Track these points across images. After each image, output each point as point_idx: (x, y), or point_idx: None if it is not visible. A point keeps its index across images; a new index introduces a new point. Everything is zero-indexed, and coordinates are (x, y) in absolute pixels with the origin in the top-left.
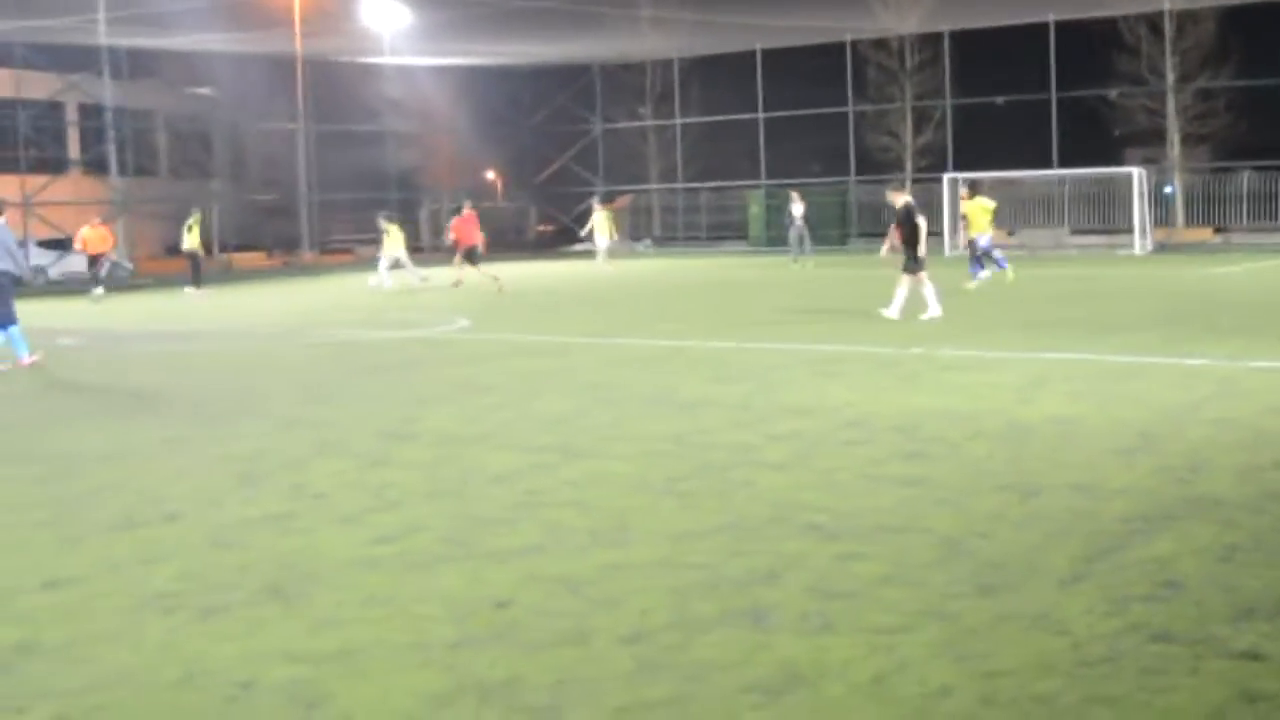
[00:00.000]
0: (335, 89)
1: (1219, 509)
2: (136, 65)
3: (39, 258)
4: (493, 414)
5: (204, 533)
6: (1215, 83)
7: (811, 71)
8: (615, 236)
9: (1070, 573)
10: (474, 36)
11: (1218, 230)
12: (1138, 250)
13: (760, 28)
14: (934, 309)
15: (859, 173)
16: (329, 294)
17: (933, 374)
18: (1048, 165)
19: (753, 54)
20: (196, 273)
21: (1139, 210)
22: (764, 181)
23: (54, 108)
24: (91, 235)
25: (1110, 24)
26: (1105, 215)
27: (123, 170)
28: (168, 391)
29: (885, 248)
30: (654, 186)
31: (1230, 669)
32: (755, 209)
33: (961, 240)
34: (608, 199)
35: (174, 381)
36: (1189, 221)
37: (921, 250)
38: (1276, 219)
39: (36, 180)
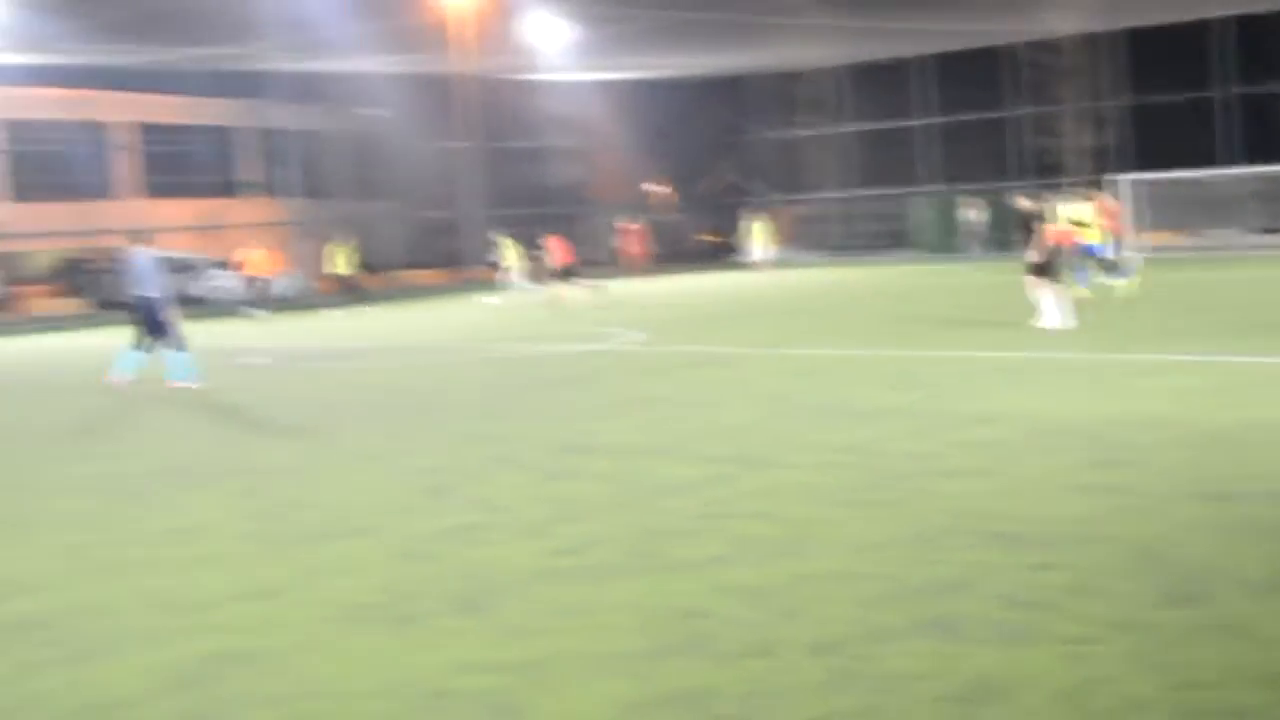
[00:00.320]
0: (502, 107)
1: None
2: (306, 89)
3: (220, 279)
4: (670, 426)
5: (396, 545)
6: None
7: (973, 75)
8: (771, 247)
9: (1266, 581)
10: (636, 50)
11: None
12: None
13: (922, 32)
14: (1052, 318)
15: (1022, 177)
16: (503, 308)
17: (1118, 379)
18: (1224, 164)
19: (913, 59)
20: (352, 294)
21: None
22: (928, 188)
23: (226, 132)
24: (254, 258)
25: None
26: None
27: (295, 192)
28: (353, 408)
29: (1033, 254)
30: (817, 196)
31: None
32: (921, 216)
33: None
34: (761, 209)
35: (357, 398)
36: None
37: (1038, 256)
38: None
39: (216, 203)
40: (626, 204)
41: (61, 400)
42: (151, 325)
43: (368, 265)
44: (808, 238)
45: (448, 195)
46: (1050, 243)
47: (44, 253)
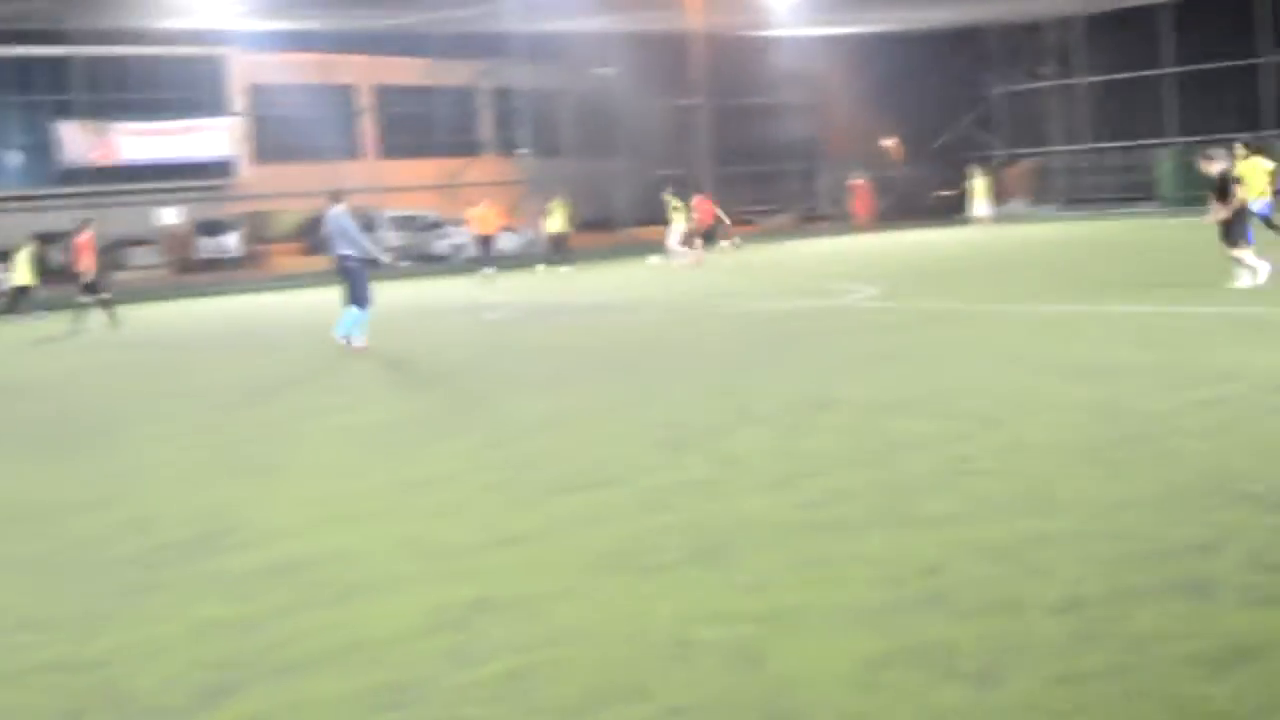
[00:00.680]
0: (732, 63)
1: None
2: (542, 49)
3: (460, 236)
4: (907, 382)
5: (639, 496)
6: None
7: (1221, 20)
8: (993, 202)
9: None
10: (868, 4)
11: None
12: None
13: None
14: (1246, 278)
15: (1278, 127)
16: (732, 265)
17: None
18: None
19: (1156, 6)
20: (562, 252)
21: None
22: (1173, 139)
23: (466, 94)
24: (481, 215)
25: None
26: None
27: (533, 151)
28: (588, 361)
29: (1214, 215)
30: (1056, 149)
31: None
32: (1165, 168)
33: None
34: (986, 164)
35: (591, 352)
36: None
37: (1224, 215)
38: None
39: (454, 163)
40: (858, 160)
41: (305, 353)
42: (346, 282)
43: (581, 223)
44: (1044, 192)
45: (679, 153)
46: (1238, 203)
47: (288, 212)
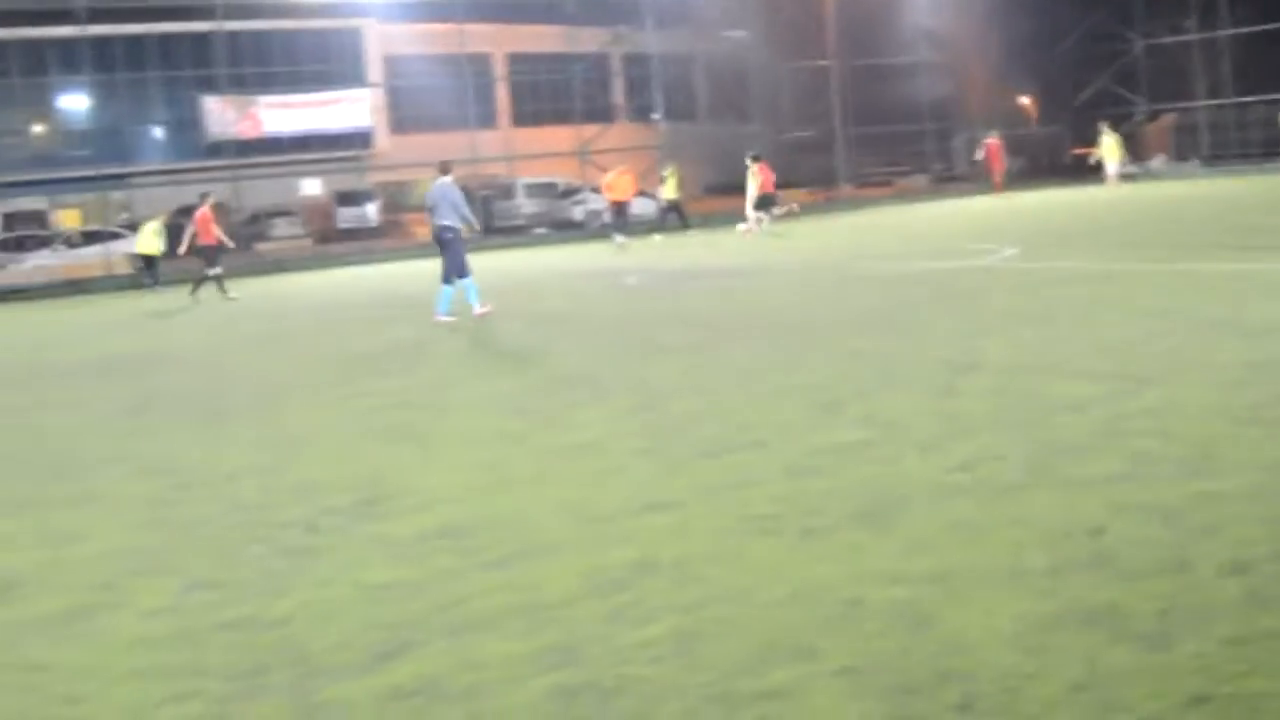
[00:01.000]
0: (866, 23)
1: None
2: (674, 13)
3: (595, 203)
4: (1053, 342)
5: (790, 459)
6: None
7: None
8: (1124, 160)
9: None
10: None
11: None
12: None
13: None
14: None
15: None
16: (869, 226)
17: None
18: None
19: None
20: (681, 218)
21: None
22: None
23: (599, 60)
24: (615, 182)
25: None
26: None
27: (666, 116)
28: (730, 325)
29: None
30: (1200, 103)
31: None
32: None
33: None
34: (1117, 122)
35: (732, 316)
36: None
37: None
38: None
39: (588, 130)
40: (993, 119)
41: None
42: (444, 254)
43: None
44: (1186, 148)
45: (812, 114)
46: None
47: (424, 181)
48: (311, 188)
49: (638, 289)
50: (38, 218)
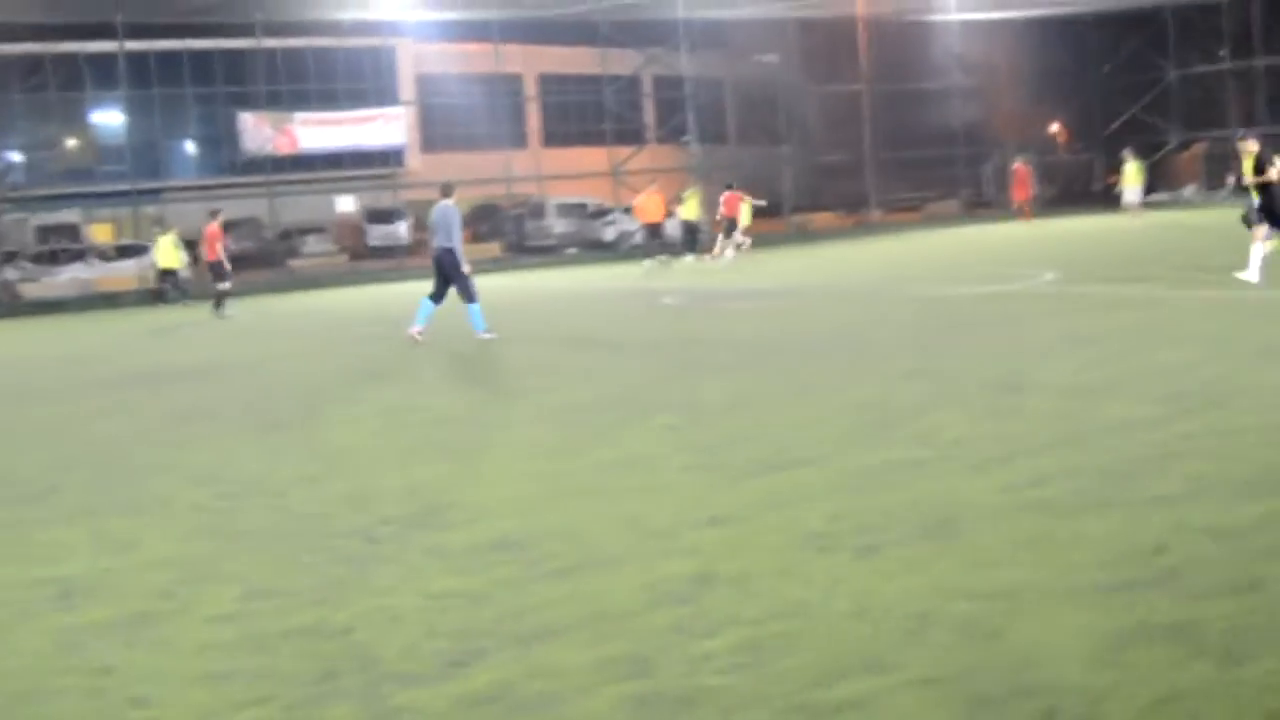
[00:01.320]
0: (898, 48)
1: None
2: (707, 37)
3: (626, 224)
4: (1103, 365)
5: (845, 476)
6: None
7: None
8: (1168, 187)
9: None
10: None
11: None
12: None
13: None
14: (1251, 272)
15: None
16: (902, 251)
17: None
18: None
19: None
20: (693, 241)
21: None
22: None
23: (630, 82)
24: (645, 204)
25: None
26: None
27: (697, 139)
28: (774, 344)
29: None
30: (1227, 133)
31: None
32: None
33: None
34: (1140, 150)
35: (776, 335)
36: None
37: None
38: None
39: (619, 151)
40: (1025, 145)
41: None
42: (447, 277)
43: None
44: (1218, 177)
45: (843, 139)
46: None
47: (458, 200)
48: (345, 205)
49: (676, 309)
50: (71, 231)
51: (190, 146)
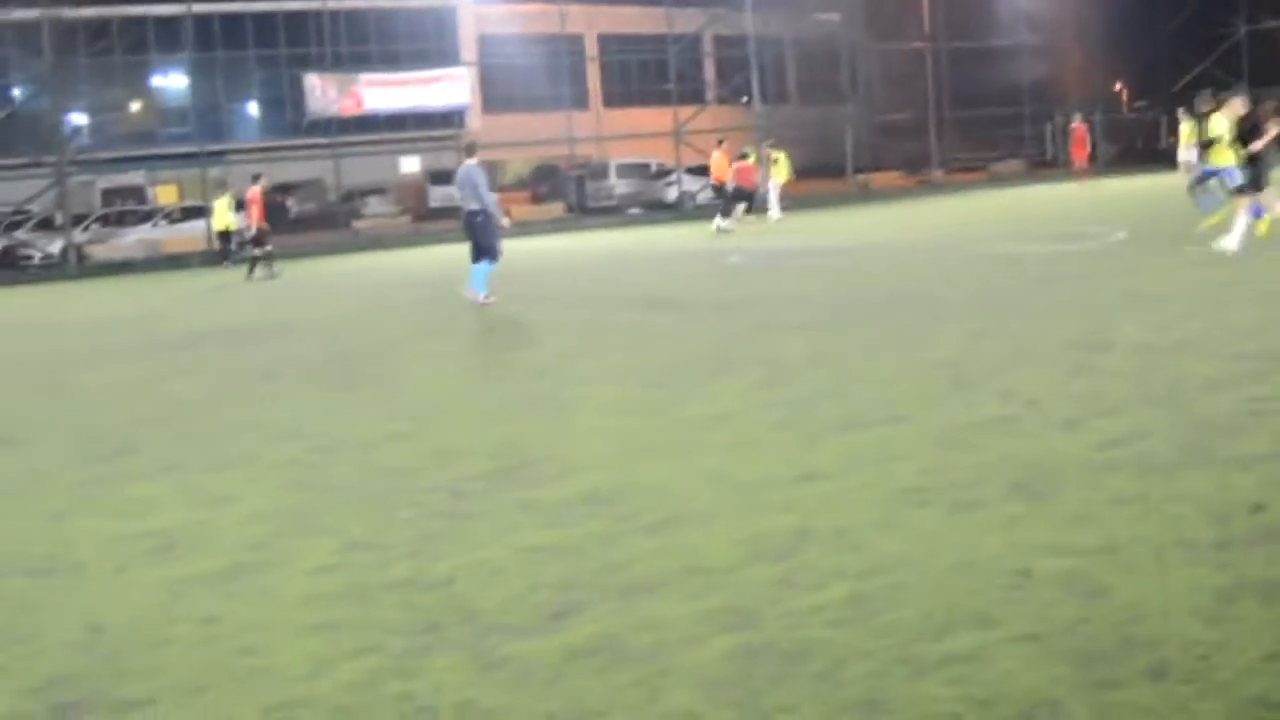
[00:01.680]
0: (962, 4)
1: None
2: None
3: (688, 184)
4: (1181, 323)
5: (933, 433)
6: None
7: None
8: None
9: None
10: None
11: None
12: None
13: None
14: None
15: None
16: (966, 210)
17: None
18: None
19: None
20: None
21: None
22: None
23: (692, 41)
24: (714, 163)
25: None
26: None
27: (760, 98)
28: (849, 303)
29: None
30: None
31: None
32: None
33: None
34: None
35: (849, 293)
36: None
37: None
38: None
39: (681, 112)
40: (1088, 103)
41: (551, 296)
42: (473, 237)
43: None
44: None
45: (907, 97)
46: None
47: (516, 161)
48: (409, 166)
49: (744, 268)
50: (137, 193)
51: (253, 108)
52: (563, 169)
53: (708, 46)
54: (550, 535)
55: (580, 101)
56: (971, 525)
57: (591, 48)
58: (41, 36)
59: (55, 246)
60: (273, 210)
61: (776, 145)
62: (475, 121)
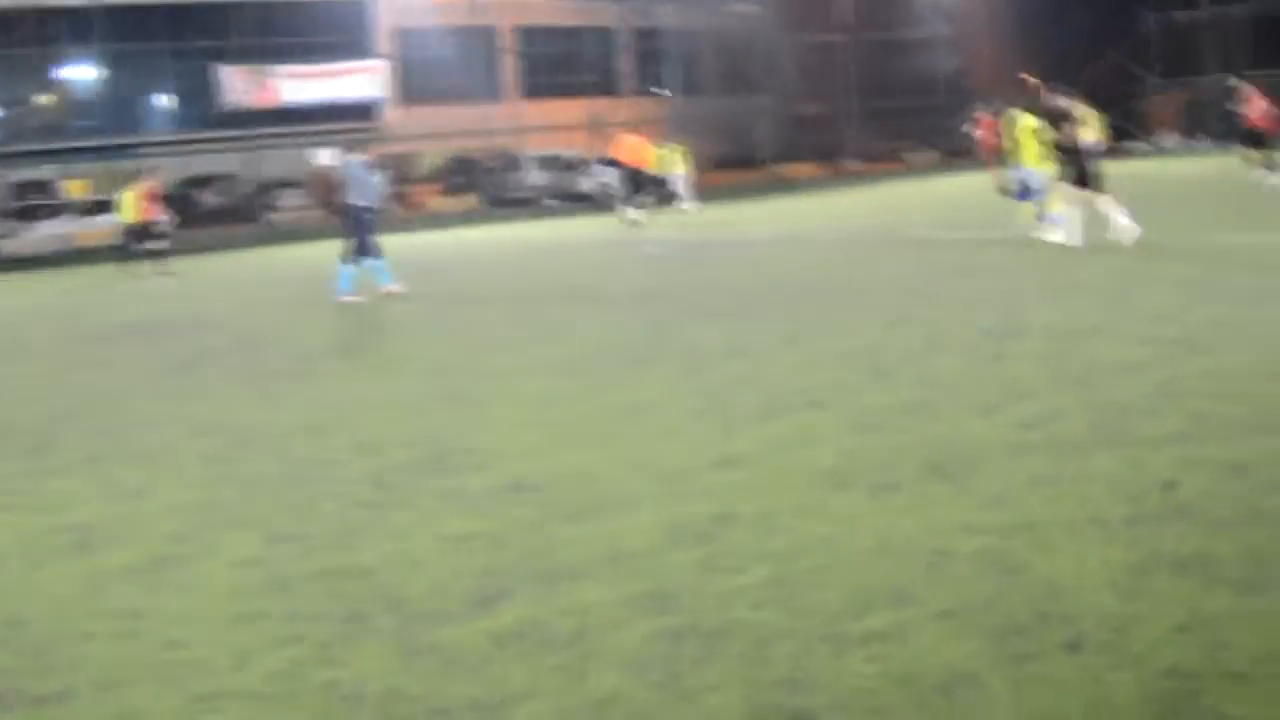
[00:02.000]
0: None
1: None
2: None
3: (601, 175)
4: (1094, 309)
5: (851, 419)
6: None
7: None
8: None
9: None
10: None
11: None
12: None
13: None
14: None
15: None
16: (880, 200)
17: None
18: None
19: None
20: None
21: None
22: None
23: (608, 34)
24: (631, 147)
25: None
26: None
27: (673, 89)
28: (765, 292)
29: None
30: (1205, 79)
31: None
32: None
33: None
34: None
35: (766, 283)
36: None
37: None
38: None
39: (596, 103)
40: (994, 94)
41: (471, 288)
42: (355, 232)
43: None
44: (1196, 125)
45: (821, 89)
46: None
47: (430, 154)
48: (327, 158)
49: (660, 259)
50: (46, 187)
51: (166, 101)
52: (478, 161)
53: (626, 38)
54: (474, 524)
55: (497, 93)
56: (891, 507)
57: (508, 39)
58: None
59: None
60: (184, 203)
61: (676, 140)
62: (392, 114)
